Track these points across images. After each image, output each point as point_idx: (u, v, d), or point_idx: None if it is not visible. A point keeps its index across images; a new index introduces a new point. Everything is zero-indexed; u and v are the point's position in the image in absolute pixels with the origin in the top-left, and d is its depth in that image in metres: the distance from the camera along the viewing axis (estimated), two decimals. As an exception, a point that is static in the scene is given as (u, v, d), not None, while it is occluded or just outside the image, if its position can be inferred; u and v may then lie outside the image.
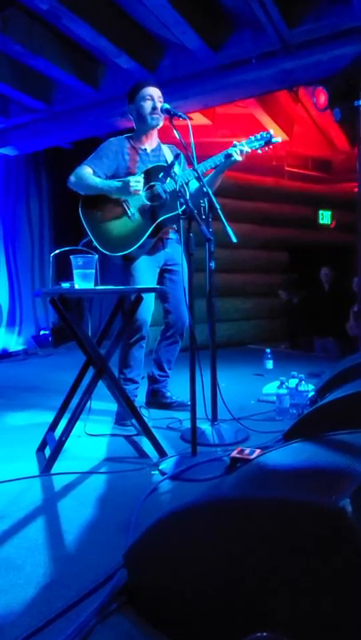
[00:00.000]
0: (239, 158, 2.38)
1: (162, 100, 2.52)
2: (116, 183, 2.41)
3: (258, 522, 0.89)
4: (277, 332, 6.02)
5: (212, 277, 2.28)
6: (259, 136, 2.39)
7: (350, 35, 3.33)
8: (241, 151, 2.37)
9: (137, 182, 2.38)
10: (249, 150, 2.39)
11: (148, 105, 2.50)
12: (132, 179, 2.37)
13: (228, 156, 2.37)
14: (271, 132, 2.43)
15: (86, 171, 2.46)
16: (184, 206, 1.97)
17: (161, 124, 2.55)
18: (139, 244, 2.43)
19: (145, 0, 3.27)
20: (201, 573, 0.96)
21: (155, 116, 2.50)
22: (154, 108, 2.49)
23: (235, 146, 2.37)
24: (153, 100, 2.50)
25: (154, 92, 2.51)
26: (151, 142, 2.61)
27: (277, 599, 0.86)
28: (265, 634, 0.76)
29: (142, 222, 2.45)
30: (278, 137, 2.43)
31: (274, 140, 2.39)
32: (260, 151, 2.41)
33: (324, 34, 3.40)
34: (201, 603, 0.95)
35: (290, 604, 0.84)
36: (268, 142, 2.38)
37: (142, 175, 2.42)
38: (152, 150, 2.60)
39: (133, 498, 1.60)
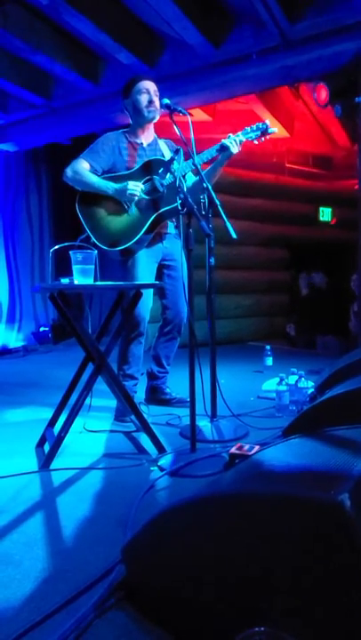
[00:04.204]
0: (235, 150, 2.36)
1: (158, 93, 2.51)
2: (113, 185, 2.40)
3: (256, 517, 0.89)
4: (277, 329, 6.02)
5: (212, 274, 2.27)
6: (255, 127, 2.37)
7: (351, 30, 3.32)
8: (235, 141, 2.35)
9: (135, 187, 2.37)
10: (243, 139, 2.37)
11: (144, 98, 2.48)
12: (130, 183, 2.37)
13: (223, 148, 2.35)
14: (267, 122, 2.40)
15: (83, 166, 2.44)
16: (181, 200, 1.96)
17: (157, 118, 2.53)
18: (136, 238, 2.42)
19: (145, -5, 3.26)
20: (199, 568, 0.96)
21: (151, 109, 2.49)
22: (150, 102, 2.48)
23: (229, 137, 2.36)
24: (149, 93, 2.48)
25: (150, 85, 2.50)
26: (147, 136, 2.60)
27: (276, 594, 0.86)
28: (262, 629, 0.76)
29: (140, 216, 2.44)
30: (274, 127, 2.41)
31: (270, 130, 2.37)
32: (256, 142, 2.39)
33: (326, 29, 3.39)
34: (199, 598, 0.95)
35: (288, 599, 0.84)
36: (264, 133, 2.36)
37: (141, 182, 2.42)
38: (148, 145, 2.59)
39: (132, 494, 1.60)
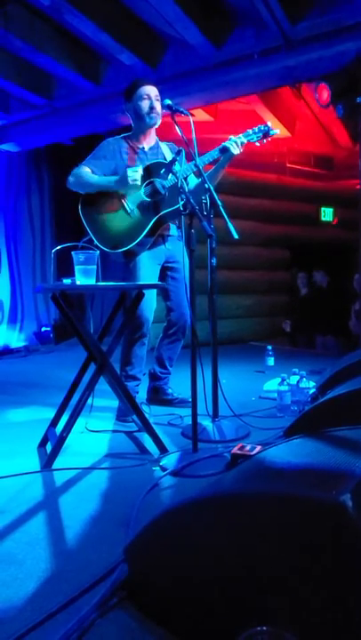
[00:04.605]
0: (237, 151, 2.36)
1: (159, 98, 2.51)
2: (114, 177, 2.41)
3: (258, 517, 0.89)
4: (279, 329, 6.03)
5: (214, 274, 2.28)
6: (256, 129, 2.38)
7: (353, 30, 3.32)
8: (236, 143, 2.35)
9: (134, 172, 2.36)
10: (245, 142, 2.37)
11: (145, 104, 2.48)
12: (129, 170, 2.37)
13: (224, 149, 2.36)
14: (269, 124, 2.41)
15: (85, 170, 2.46)
16: (183, 201, 1.96)
17: (159, 123, 2.54)
18: (138, 240, 2.42)
19: (147, -5, 3.26)
20: (201, 568, 0.96)
21: (152, 115, 2.49)
22: (151, 108, 2.48)
23: (230, 139, 2.36)
24: (150, 99, 2.48)
25: (151, 90, 2.49)
26: (149, 141, 2.60)
27: (278, 594, 0.86)
28: (265, 628, 0.76)
29: (141, 218, 2.45)
30: (276, 129, 2.41)
31: (272, 132, 2.37)
32: (257, 144, 2.39)
33: (327, 30, 3.38)
34: (201, 597, 0.95)
35: (290, 599, 0.84)
36: (265, 135, 2.37)
37: (140, 167, 2.41)
38: (150, 148, 2.59)
39: (134, 493, 1.61)
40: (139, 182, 2.37)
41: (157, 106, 2.49)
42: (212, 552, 0.94)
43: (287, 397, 2.54)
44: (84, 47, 4.13)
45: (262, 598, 0.87)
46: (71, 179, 2.46)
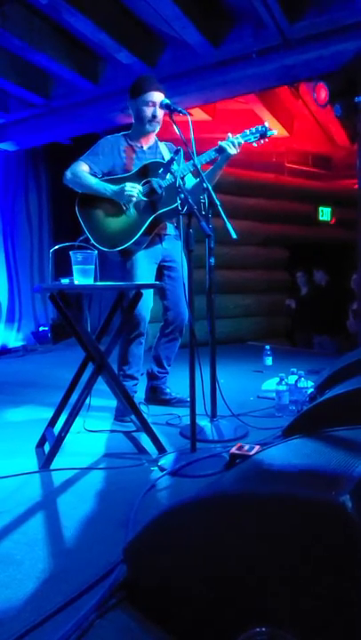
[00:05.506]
0: (233, 151, 2.36)
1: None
2: (111, 186, 2.40)
3: (258, 517, 0.89)
4: (277, 329, 6.03)
5: (212, 274, 2.27)
6: (254, 129, 2.37)
7: (352, 30, 3.32)
8: (233, 144, 2.35)
9: (132, 188, 2.37)
10: (242, 142, 2.37)
11: (148, 111, 2.47)
12: (128, 185, 2.37)
13: (220, 150, 2.36)
14: (267, 124, 2.40)
15: (82, 168, 2.45)
16: (181, 200, 1.96)
17: (158, 129, 2.54)
18: (134, 239, 2.42)
19: (145, -6, 3.26)
20: (200, 568, 0.96)
21: (153, 123, 2.49)
22: (154, 116, 2.48)
23: (228, 139, 2.36)
24: (155, 106, 2.46)
25: (157, 98, 2.44)
26: (148, 140, 2.60)
27: (277, 595, 0.86)
28: (264, 629, 0.76)
29: (138, 218, 2.44)
30: (274, 129, 2.41)
31: (269, 132, 2.37)
32: (255, 144, 2.39)
33: (326, 29, 3.39)
34: (200, 598, 0.95)
35: (290, 600, 0.84)
36: (263, 135, 2.37)
37: (140, 185, 2.42)
38: (149, 148, 2.59)
39: (133, 494, 1.61)
40: (135, 198, 2.37)
41: (160, 113, 2.48)
42: (211, 552, 0.94)
43: (286, 397, 2.54)
44: (82, 46, 4.13)
45: (261, 599, 0.87)
46: (68, 175, 2.46)
